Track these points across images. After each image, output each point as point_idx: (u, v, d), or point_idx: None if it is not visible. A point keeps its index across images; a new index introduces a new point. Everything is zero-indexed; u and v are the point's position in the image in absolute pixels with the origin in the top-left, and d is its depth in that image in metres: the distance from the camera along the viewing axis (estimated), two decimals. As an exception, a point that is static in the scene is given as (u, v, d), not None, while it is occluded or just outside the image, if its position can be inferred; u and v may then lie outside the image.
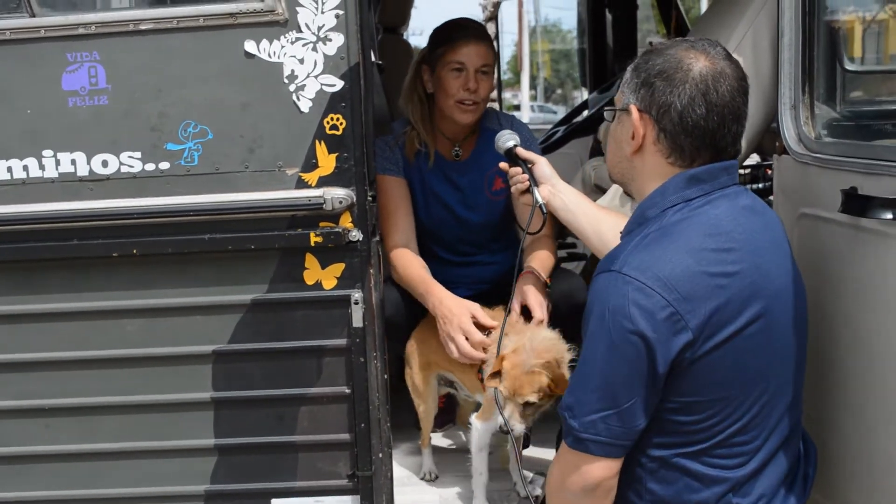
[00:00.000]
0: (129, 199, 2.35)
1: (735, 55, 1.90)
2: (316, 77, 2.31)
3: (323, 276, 2.39)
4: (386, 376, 2.46)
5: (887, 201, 1.89)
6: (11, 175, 2.37)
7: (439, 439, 3.24)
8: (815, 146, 2.21)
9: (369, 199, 2.37)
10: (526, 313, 2.60)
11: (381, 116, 3.45)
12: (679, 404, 1.78)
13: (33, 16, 2.32)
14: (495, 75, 3.03)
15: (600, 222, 2.38)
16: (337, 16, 2.28)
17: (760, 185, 3.68)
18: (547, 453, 2.91)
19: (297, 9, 2.28)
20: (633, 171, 1.92)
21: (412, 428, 3.04)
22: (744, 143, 2.49)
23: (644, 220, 1.86)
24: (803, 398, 1.96)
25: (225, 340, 2.42)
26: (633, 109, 1.86)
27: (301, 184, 2.35)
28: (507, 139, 2.58)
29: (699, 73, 1.80)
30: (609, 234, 2.29)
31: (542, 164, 2.49)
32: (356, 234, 2.36)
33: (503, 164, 2.57)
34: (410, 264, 2.79)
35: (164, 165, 2.35)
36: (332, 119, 2.33)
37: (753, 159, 3.97)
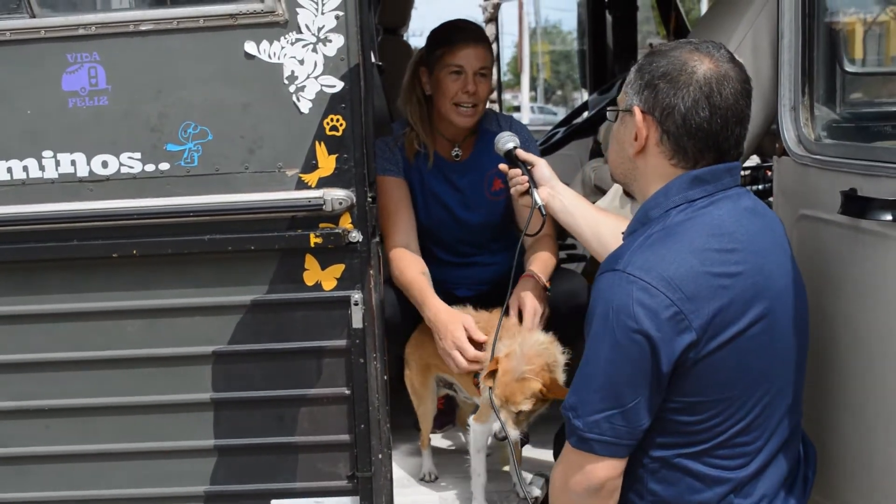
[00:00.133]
0: (129, 200, 2.35)
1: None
2: (316, 78, 2.31)
3: (323, 277, 2.39)
4: (386, 377, 2.46)
5: (887, 203, 1.89)
6: (11, 176, 2.37)
7: (439, 440, 3.24)
8: (814, 148, 2.21)
9: (369, 200, 2.37)
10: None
11: (380, 117, 3.45)
12: (682, 404, 1.78)
13: (33, 16, 2.32)
14: (494, 77, 3.02)
15: (599, 225, 2.37)
16: (337, 17, 2.28)
17: (760, 187, 3.67)
18: (545, 454, 2.90)
19: (298, 10, 2.28)
20: (635, 171, 1.92)
21: (412, 429, 3.04)
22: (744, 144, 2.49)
23: (647, 220, 1.86)
24: (803, 399, 1.96)
25: (225, 341, 2.42)
26: (637, 111, 1.85)
27: (301, 185, 2.35)
28: (506, 141, 2.57)
29: (703, 75, 1.79)
30: (608, 236, 2.28)
31: (542, 166, 2.49)
32: (356, 235, 2.36)
33: (503, 166, 2.57)
34: (409, 268, 2.77)
35: (164, 166, 2.36)
36: (331, 120, 2.33)
37: (753, 161, 3.96)
